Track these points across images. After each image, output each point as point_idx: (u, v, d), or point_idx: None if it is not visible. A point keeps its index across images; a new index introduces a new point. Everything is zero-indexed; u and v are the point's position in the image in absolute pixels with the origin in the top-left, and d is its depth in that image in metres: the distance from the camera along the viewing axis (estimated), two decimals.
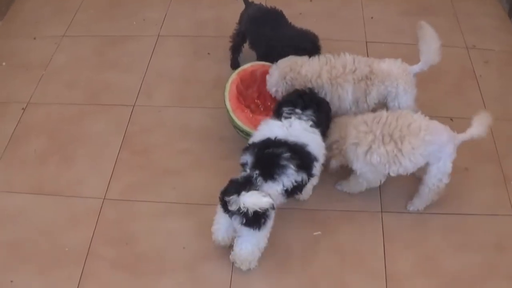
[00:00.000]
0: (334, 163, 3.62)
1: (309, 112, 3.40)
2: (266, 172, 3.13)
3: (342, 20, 5.10)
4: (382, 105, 3.76)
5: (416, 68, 3.69)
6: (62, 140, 4.16)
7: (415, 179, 3.67)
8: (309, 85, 3.66)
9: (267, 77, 3.82)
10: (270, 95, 4.01)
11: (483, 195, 3.76)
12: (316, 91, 3.64)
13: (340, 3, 5.31)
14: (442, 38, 4.73)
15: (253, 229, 3.10)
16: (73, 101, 4.44)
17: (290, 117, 3.38)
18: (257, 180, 3.09)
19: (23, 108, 4.38)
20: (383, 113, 3.48)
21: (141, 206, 3.75)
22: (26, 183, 3.91)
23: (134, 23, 5.16)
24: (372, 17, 5.13)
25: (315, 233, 3.56)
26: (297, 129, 3.33)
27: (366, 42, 4.85)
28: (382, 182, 3.64)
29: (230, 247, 3.41)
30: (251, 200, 2.92)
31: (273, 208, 3.06)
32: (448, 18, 5.14)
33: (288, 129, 3.32)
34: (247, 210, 2.94)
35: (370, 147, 3.40)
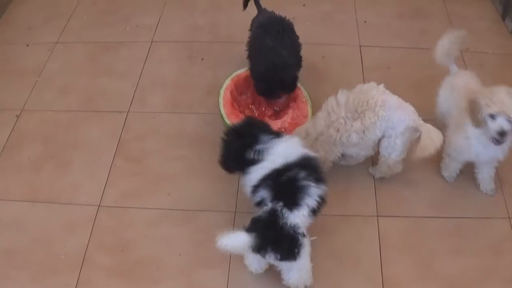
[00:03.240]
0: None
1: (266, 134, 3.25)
2: (290, 201, 3.01)
3: (336, 24, 5.11)
4: None
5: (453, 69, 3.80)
6: (56, 147, 4.15)
7: (411, 183, 3.73)
8: None
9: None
10: (265, 101, 4.01)
11: (479, 199, 3.76)
12: None
13: (333, 7, 5.31)
14: (436, 41, 4.75)
15: (290, 261, 3.04)
16: (67, 107, 4.44)
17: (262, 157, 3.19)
18: (284, 213, 2.97)
19: (17, 115, 4.38)
20: (343, 93, 3.57)
21: (136, 213, 3.74)
22: (21, 191, 3.90)
23: (128, 29, 5.15)
24: (365, 21, 5.13)
25: (311, 238, 3.54)
26: (283, 149, 3.19)
27: (360, 46, 4.85)
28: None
29: (222, 252, 3.44)
30: (229, 242, 2.86)
31: (304, 235, 3.02)
32: (441, 21, 5.14)
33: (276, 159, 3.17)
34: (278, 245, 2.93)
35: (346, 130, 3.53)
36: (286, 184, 3.07)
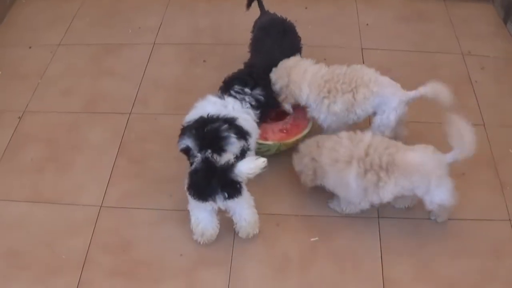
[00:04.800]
0: (286, 106, 3.88)
1: (257, 91, 3.65)
2: (217, 148, 3.23)
3: (338, 27, 5.11)
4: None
5: (451, 157, 3.31)
6: (58, 149, 4.16)
7: None
8: None
9: None
10: None
11: (480, 201, 3.76)
12: None
13: (335, 10, 5.33)
14: (437, 44, 4.80)
15: (237, 197, 3.23)
16: (69, 109, 4.45)
17: (233, 96, 3.62)
18: (215, 157, 3.18)
19: (19, 117, 4.38)
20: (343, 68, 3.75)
21: (138, 214, 3.74)
22: (23, 192, 3.90)
23: (130, 31, 5.17)
24: (367, 24, 5.14)
25: (312, 239, 3.56)
26: (231, 107, 3.53)
27: (362, 49, 4.86)
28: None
29: (224, 252, 3.47)
30: (249, 166, 3.06)
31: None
32: (443, 24, 5.14)
33: (222, 107, 3.52)
34: (228, 182, 3.14)
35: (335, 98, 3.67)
36: (209, 134, 3.30)
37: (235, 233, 3.54)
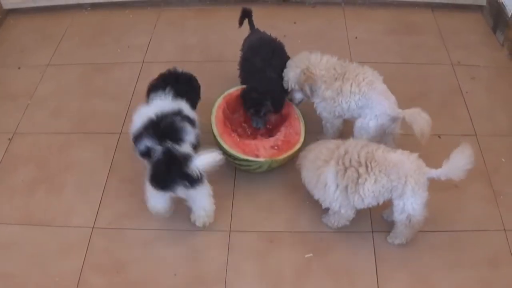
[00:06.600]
0: (306, 86, 3.89)
1: (168, 89, 3.68)
2: (176, 138, 3.36)
3: (327, 41, 5.11)
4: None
5: (433, 173, 3.29)
6: (49, 170, 4.14)
7: None
8: None
9: None
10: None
11: (474, 211, 3.76)
12: None
13: (324, 24, 5.33)
14: (427, 56, 4.78)
15: (199, 186, 3.34)
16: (60, 130, 4.43)
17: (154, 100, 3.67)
18: (175, 147, 3.30)
19: (9, 139, 4.36)
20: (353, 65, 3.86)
21: (131, 234, 3.72)
22: (15, 214, 3.88)
23: (119, 50, 5.15)
24: (356, 37, 5.14)
25: (306, 256, 3.54)
26: (163, 105, 3.59)
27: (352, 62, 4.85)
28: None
29: (218, 271, 3.42)
30: (206, 160, 3.21)
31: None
32: (432, 36, 5.15)
33: (160, 107, 3.56)
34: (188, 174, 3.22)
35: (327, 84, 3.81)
36: (166, 128, 3.41)
37: (229, 251, 3.52)
